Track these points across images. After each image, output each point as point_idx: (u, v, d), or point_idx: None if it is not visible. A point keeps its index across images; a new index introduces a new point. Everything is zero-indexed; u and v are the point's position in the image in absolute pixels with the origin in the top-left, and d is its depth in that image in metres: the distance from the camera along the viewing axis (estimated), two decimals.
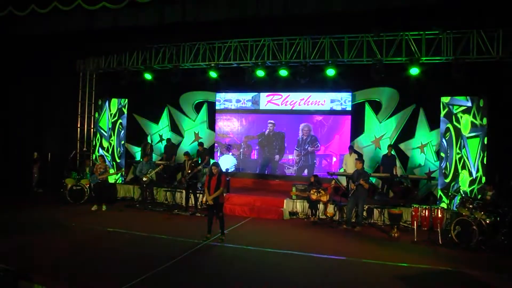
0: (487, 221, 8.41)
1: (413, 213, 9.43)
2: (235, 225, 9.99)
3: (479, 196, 9.40)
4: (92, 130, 14.87)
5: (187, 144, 15.23)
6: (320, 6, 8.41)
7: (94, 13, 9.80)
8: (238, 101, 14.63)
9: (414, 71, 11.04)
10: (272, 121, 14.22)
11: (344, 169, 12.19)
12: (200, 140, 14.56)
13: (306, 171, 13.75)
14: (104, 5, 9.48)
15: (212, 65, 12.71)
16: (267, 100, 14.23)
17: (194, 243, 8.18)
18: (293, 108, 13.93)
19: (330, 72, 11.77)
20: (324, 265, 7.22)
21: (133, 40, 11.86)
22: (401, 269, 7.03)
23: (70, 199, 11.88)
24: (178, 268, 6.77)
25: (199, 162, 12.06)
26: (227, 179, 11.99)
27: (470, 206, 8.72)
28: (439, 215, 9.13)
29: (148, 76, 13.52)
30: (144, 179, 11.78)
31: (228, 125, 14.82)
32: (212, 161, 13.56)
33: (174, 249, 7.74)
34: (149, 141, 15.17)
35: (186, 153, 12.13)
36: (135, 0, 9.28)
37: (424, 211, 9.32)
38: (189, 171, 11.41)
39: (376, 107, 13.17)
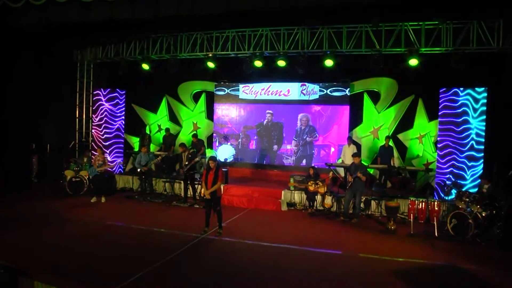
0: (483, 214, 8.48)
1: (410, 206, 9.48)
2: (233, 217, 10.06)
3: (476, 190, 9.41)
4: (90, 120, 14.83)
5: (186, 134, 15.24)
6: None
7: (89, 5, 9.69)
8: (236, 90, 14.56)
9: (413, 61, 10.96)
10: (270, 111, 14.18)
11: (342, 160, 12.23)
12: (196, 131, 14.58)
13: (304, 161, 13.77)
14: None
15: (210, 55, 12.62)
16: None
17: (192, 236, 8.25)
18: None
19: (329, 62, 11.69)
20: (321, 259, 7.29)
21: (129, 31, 11.74)
22: (398, 264, 7.08)
23: (69, 191, 11.94)
24: (176, 263, 6.84)
25: (196, 153, 12.03)
26: (225, 170, 12.06)
27: (467, 199, 8.78)
28: (436, 208, 9.18)
29: (145, 66, 13.42)
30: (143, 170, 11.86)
31: (226, 115, 14.79)
32: (208, 152, 13.63)
33: (172, 243, 7.81)
34: (147, 131, 15.17)
35: (182, 145, 12.06)
36: None
37: (420, 204, 9.36)
38: (187, 163, 11.42)
39: (375, 97, 13.14)
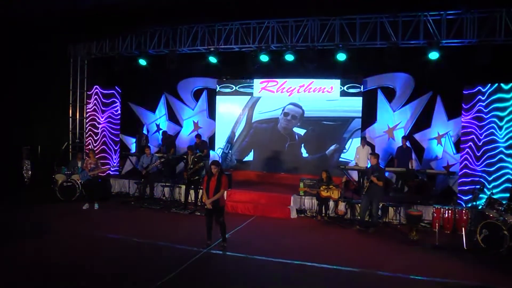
0: None
1: (435, 215, 8.55)
2: (238, 227, 9.16)
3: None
4: (84, 120, 13.94)
5: (186, 134, 14.34)
6: None
7: None
8: (240, 87, 13.63)
9: (433, 55, 10.04)
10: (279, 109, 13.23)
11: (356, 162, 11.32)
12: (198, 131, 13.67)
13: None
14: None
15: (212, 49, 11.71)
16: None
17: (194, 251, 7.33)
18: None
19: (341, 56, 10.78)
20: (337, 279, 6.38)
21: (125, 23, 10.86)
22: (423, 285, 6.17)
23: (60, 196, 11.06)
24: (176, 285, 5.95)
25: (203, 157, 11.12)
26: (228, 173, 11.16)
27: (500, 207, 7.87)
28: (464, 217, 8.23)
29: (143, 62, 12.53)
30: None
31: (229, 114, 13.84)
32: (212, 153, 12.72)
33: (171, 260, 6.89)
34: (145, 131, 14.28)
35: (190, 147, 11.20)
36: None
37: (447, 212, 8.42)
38: (191, 166, 10.54)
39: (390, 94, 12.23)
